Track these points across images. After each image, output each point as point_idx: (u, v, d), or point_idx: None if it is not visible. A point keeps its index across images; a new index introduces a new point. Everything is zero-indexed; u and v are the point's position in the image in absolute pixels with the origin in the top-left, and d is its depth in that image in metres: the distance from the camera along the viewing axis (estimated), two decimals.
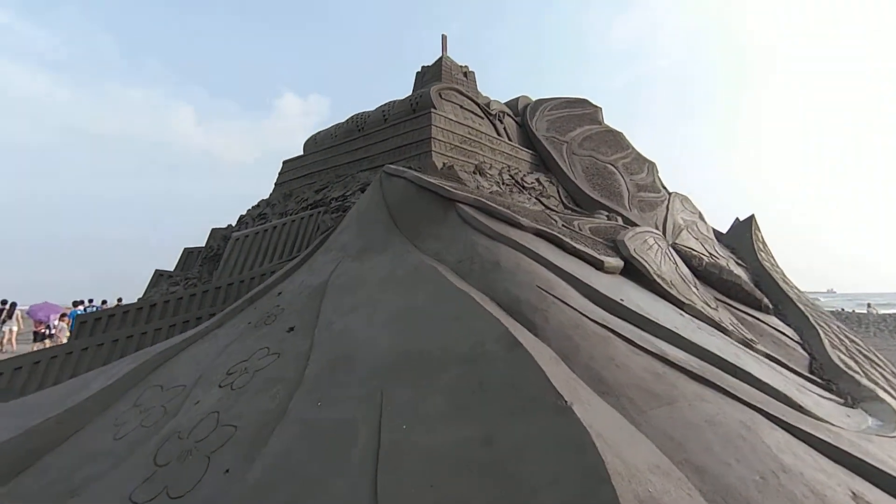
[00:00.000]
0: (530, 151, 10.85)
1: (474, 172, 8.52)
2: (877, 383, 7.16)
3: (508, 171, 9.31)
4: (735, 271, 9.74)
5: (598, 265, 5.83)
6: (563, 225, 7.26)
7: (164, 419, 4.86)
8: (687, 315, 5.83)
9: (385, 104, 9.86)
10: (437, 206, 6.15)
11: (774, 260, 11.66)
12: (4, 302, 19.85)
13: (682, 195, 11.14)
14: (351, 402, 3.92)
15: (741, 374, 4.50)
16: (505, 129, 10.85)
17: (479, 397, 3.52)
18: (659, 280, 6.28)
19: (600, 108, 12.63)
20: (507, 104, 12.60)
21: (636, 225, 9.14)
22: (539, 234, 5.88)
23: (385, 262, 5.83)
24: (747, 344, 6.43)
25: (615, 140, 11.63)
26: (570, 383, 3.57)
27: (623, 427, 3.30)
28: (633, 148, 11.65)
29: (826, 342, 7.73)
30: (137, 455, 4.45)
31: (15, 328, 19.72)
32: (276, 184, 11.19)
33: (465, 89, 11.05)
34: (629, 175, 10.62)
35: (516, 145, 10.59)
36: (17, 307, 20.06)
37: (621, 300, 4.98)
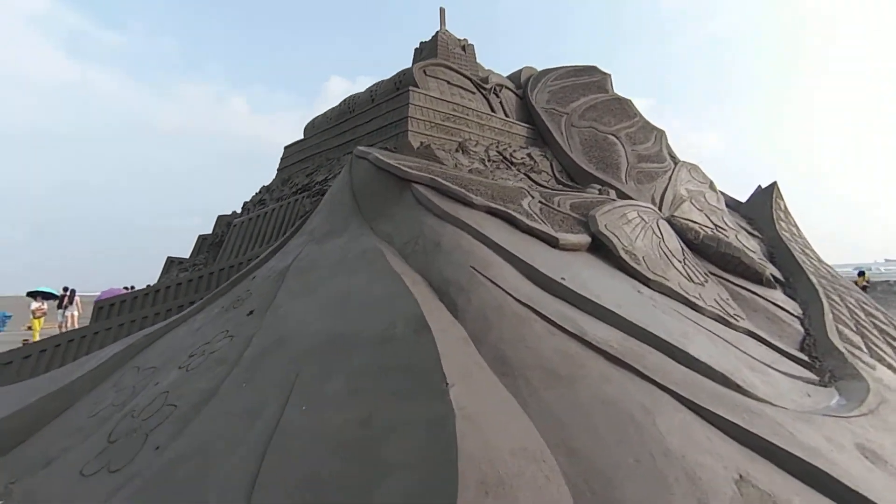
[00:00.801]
0: (527, 125, 10.55)
1: (457, 150, 8.42)
2: (882, 359, 6.68)
3: (497, 146, 9.13)
4: (743, 244, 9.22)
5: (553, 242, 5.69)
6: (539, 201, 7.09)
7: (130, 398, 5.22)
8: (647, 292, 5.61)
9: (374, 84, 9.86)
10: (394, 187, 6.16)
11: (797, 230, 10.93)
12: (66, 289, 21.57)
13: (690, 164, 10.56)
14: (270, 383, 4.08)
15: (677, 354, 4.32)
16: (501, 103, 10.59)
17: (377, 380, 3.58)
18: (626, 256, 6.05)
19: (609, 76, 12.07)
20: (509, 77, 12.28)
21: (629, 198, 8.81)
22: (491, 212, 5.79)
23: (341, 245, 5.92)
24: (724, 321, 6.13)
25: (621, 108, 11.10)
26: (466, 365, 3.55)
27: (506, 409, 3.27)
28: (640, 116, 11.09)
29: (829, 317, 7.23)
30: (100, 432, 4.82)
31: (76, 313, 21.44)
32: (277, 169, 11.51)
33: (460, 64, 10.85)
34: (632, 145, 10.15)
35: (510, 120, 10.33)
36: (77, 294, 21.75)
37: (562, 279, 4.86)
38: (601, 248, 6.28)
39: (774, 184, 11.16)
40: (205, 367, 4.93)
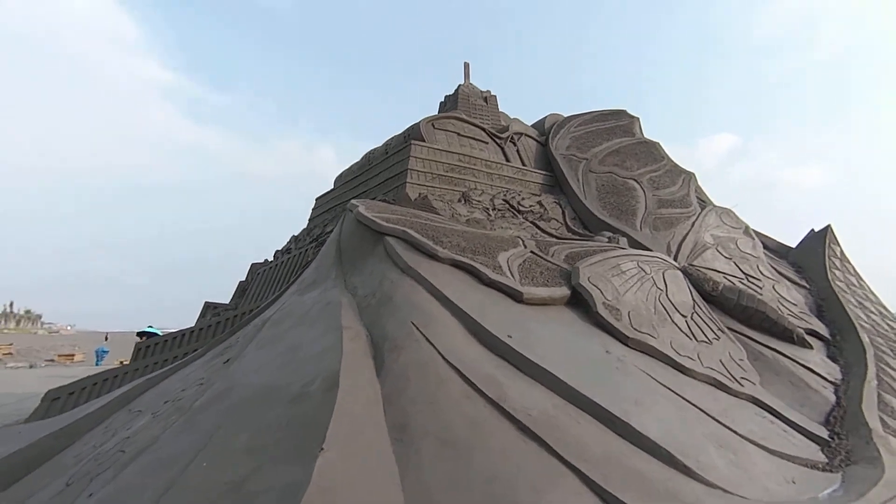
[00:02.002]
0: (544, 173, 10.40)
1: (459, 200, 8.45)
2: None
3: (504, 195, 9.05)
4: (781, 295, 8.34)
5: (517, 297, 5.47)
6: (531, 251, 6.91)
7: (107, 441, 5.56)
8: (619, 352, 5.19)
9: (391, 138, 10.22)
10: (369, 240, 6.28)
11: (857, 279, 9.73)
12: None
13: (723, 209, 9.81)
14: (199, 433, 4.19)
15: (617, 425, 3.94)
16: (518, 151, 10.57)
17: (274, 439, 3.58)
18: (605, 311, 5.68)
19: (637, 119, 11.69)
20: (534, 124, 12.26)
21: (641, 246, 8.33)
22: (456, 264, 5.70)
23: (314, 297, 6.07)
24: (722, 386, 5.52)
25: (647, 152, 10.64)
26: (358, 429, 3.46)
27: (377, 481, 3.12)
28: (667, 159, 10.55)
29: (871, 384, 6.28)
30: (68, 474, 5.15)
31: None
32: (308, 219, 12.11)
33: (481, 115, 11.03)
34: (654, 190, 9.63)
35: (525, 168, 10.24)
36: None
37: (509, 336, 4.65)
38: (582, 302, 5.94)
39: (828, 227, 10.08)
40: (167, 413, 5.17)
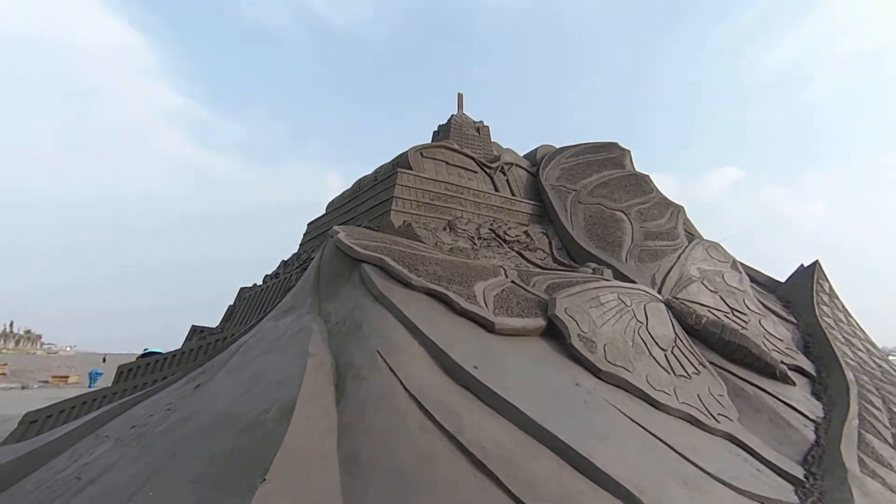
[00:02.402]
0: (533, 203, 10.45)
1: (444, 228, 8.48)
2: None
3: (491, 224, 9.08)
4: (767, 330, 8.23)
5: (489, 327, 5.42)
6: (512, 281, 6.89)
7: (68, 467, 5.46)
8: (590, 385, 5.11)
9: (381, 165, 10.33)
10: (346, 267, 6.28)
11: (845, 315, 9.62)
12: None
13: (710, 242, 9.79)
14: (153, 460, 4.12)
15: (577, 461, 3.85)
16: (508, 181, 10.65)
17: (220, 469, 3.51)
18: (579, 343, 5.61)
19: (628, 152, 11.79)
20: (526, 155, 12.39)
21: (626, 277, 8.29)
22: (429, 292, 5.67)
23: (287, 323, 6.05)
24: (697, 422, 5.41)
25: (636, 184, 10.69)
26: (306, 461, 3.39)
27: None
28: (656, 192, 10.58)
29: (852, 423, 6.13)
30: (28, 498, 5.06)
31: None
32: (299, 244, 12.16)
33: (473, 145, 11.18)
34: (642, 222, 9.64)
35: (513, 198, 10.30)
36: None
37: (475, 367, 4.59)
38: (558, 333, 5.88)
39: (816, 263, 10.02)
40: (129, 439, 5.10)
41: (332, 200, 11.80)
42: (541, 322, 5.89)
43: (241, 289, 11.70)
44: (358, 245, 6.34)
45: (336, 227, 7.20)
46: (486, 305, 5.72)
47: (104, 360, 45.31)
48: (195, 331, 11.30)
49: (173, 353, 9.12)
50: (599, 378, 5.39)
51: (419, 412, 3.95)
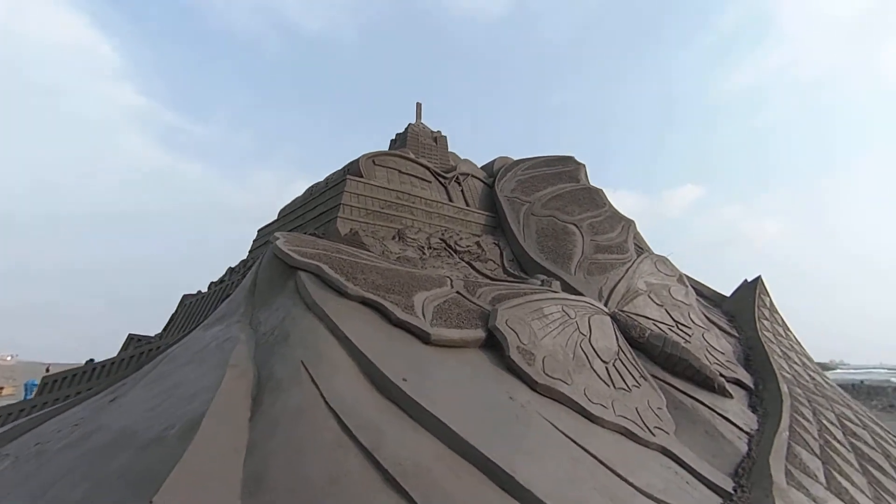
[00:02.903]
0: (487, 214, 10.42)
1: (393, 237, 8.32)
2: (841, 493, 5.61)
3: (442, 234, 8.98)
4: (709, 343, 8.35)
5: (425, 338, 5.26)
6: (457, 292, 6.76)
7: None
8: (524, 398, 5.00)
9: (333, 172, 10.11)
10: (282, 274, 6.04)
11: (784, 329, 9.88)
12: None
13: (658, 256, 9.93)
14: (44, 481, 3.78)
15: (499, 475, 3.72)
16: (463, 192, 10.60)
17: (110, 490, 3.23)
18: (517, 355, 5.51)
19: (583, 166, 11.93)
20: (483, 166, 12.38)
21: (574, 289, 8.30)
22: (365, 302, 5.49)
23: (215, 332, 5.76)
24: (632, 435, 5.38)
25: (590, 198, 10.80)
26: (203, 481, 3.14)
27: None
28: (608, 206, 10.71)
29: (782, 436, 6.21)
30: None
31: None
32: (248, 251, 11.74)
33: (430, 154, 11.09)
34: (593, 235, 9.71)
35: (467, 208, 10.25)
36: None
37: (404, 380, 4.42)
38: (498, 345, 5.77)
39: (758, 278, 10.29)
40: (28, 457, 4.70)
41: (284, 207, 11.47)
42: (480, 334, 5.77)
43: (184, 296, 11.19)
44: (296, 252, 6.11)
45: (277, 234, 6.95)
46: (424, 316, 5.57)
47: (47, 371, 42.95)
48: (131, 339, 10.72)
49: (102, 364, 8.61)
50: (536, 391, 5.30)
51: (337, 427, 3.75)
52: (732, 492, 5.10)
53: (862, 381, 37.01)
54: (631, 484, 4.41)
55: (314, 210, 9.23)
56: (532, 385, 5.32)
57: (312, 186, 10.45)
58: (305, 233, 8.59)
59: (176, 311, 10.88)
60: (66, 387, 9.00)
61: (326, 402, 3.97)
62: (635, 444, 5.33)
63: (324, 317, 5.09)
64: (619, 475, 4.45)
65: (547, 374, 5.50)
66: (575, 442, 4.65)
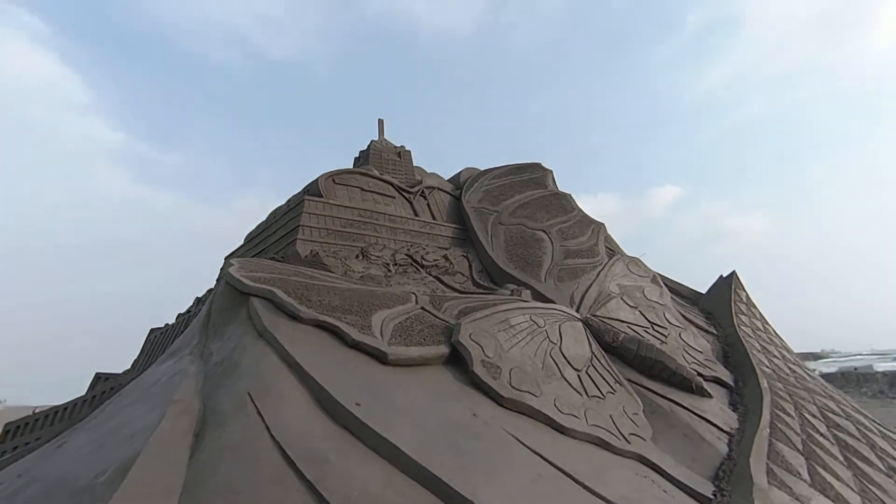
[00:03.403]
0: (454, 226, 10.31)
1: (357, 256, 8.15)
2: (826, 489, 5.47)
3: (408, 249, 8.83)
4: (687, 343, 8.24)
5: (382, 358, 5.07)
6: (422, 308, 6.59)
7: None
8: (488, 414, 4.82)
9: (295, 194, 9.96)
10: (235, 302, 5.82)
11: (762, 323, 9.82)
12: None
13: (631, 258, 9.86)
14: None
15: (458, 501, 3.52)
16: (429, 205, 10.49)
17: None
18: (482, 369, 5.34)
19: (550, 172, 11.91)
20: (450, 178, 12.31)
21: (544, 297, 8.16)
22: (319, 325, 5.29)
23: (167, 367, 5.50)
24: (605, 444, 5.20)
25: (558, 204, 10.75)
26: None
27: None
28: (577, 210, 10.66)
29: (763, 433, 6.08)
30: None
31: None
32: (216, 279, 11.46)
33: (394, 170, 11.00)
34: (562, 240, 9.62)
35: (433, 222, 10.13)
36: None
37: (357, 404, 4.21)
38: (463, 360, 5.59)
39: (733, 274, 10.26)
40: None
41: (250, 232, 11.26)
42: (443, 350, 5.60)
43: (151, 329, 10.87)
44: (248, 278, 5.91)
45: (232, 261, 6.73)
46: (382, 335, 5.37)
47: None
48: (98, 378, 10.34)
49: (63, 406, 8.26)
50: (502, 405, 5.13)
51: (281, 461, 3.53)
52: (712, 496, 4.93)
53: (855, 368, 37.24)
54: (600, 496, 4.23)
55: (275, 234, 9.04)
56: (498, 400, 5.14)
57: (275, 209, 10.27)
58: (267, 257, 8.38)
59: (143, 345, 10.55)
60: (29, 432, 8.63)
61: (271, 435, 3.75)
62: (609, 454, 5.15)
63: (274, 343, 4.89)
64: (587, 488, 4.27)
65: (514, 388, 5.32)
66: (541, 456, 4.46)
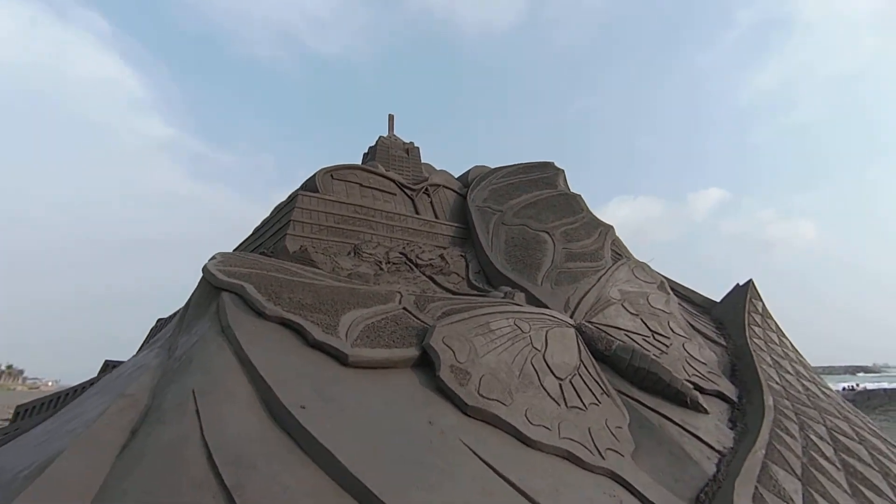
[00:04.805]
0: (455, 225, 10.08)
1: (349, 253, 8.04)
2: None
3: (403, 248, 8.66)
4: (690, 354, 7.79)
5: (343, 359, 4.93)
6: (404, 309, 6.44)
7: None
8: (446, 423, 4.61)
9: (297, 189, 9.92)
10: (207, 296, 5.80)
11: (778, 336, 9.22)
12: None
13: (638, 263, 9.41)
14: None
15: None
16: (433, 203, 10.29)
17: None
18: (449, 375, 5.14)
19: (562, 172, 11.51)
20: (459, 177, 12.08)
21: (538, 301, 7.87)
22: (284, 322, 5.20)
23: (136, 359, 5.53)
24: (576, 459, 4.92)
25: (566, 204, 10.35)
26: None
27: None
28: (586, 212, 10.24)
29: (756, 455, 5.64)
30: None
31: None
32: None
33: (401, 166, 10.85)
34: (566, 243, 9.25)
35: (434, 220, 9.93)
36: None
37: (302, 407, 4.09)
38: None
39: (749, 283, 9.66)
40: None
41: (257, 227, 11.34)
42: (412, 353, 5.42)
43: (159, 319, 11.11)
44: (223, 272, 5.87)
45: (216, 254, 6.73)
46: (347, 336, 5.23)
47: None
48: (108, 365, 10.63)
49: (66, 392, 8.49)
50: (466, 414, 4.91)
51: (205, 464, 3.43)
52: None
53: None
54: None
55: (271, 228, 9.05)
56: (462, 408, 4.92)
57: (278, 204, 10.29)
58: (259, 252, 8.38)
59: (148, 334, 10.80)
60: (36, 414, 8.92)
61: (202, 436, 3.65)
62: (578, 470, 4.87)
63: (233, 339, 4.81)
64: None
65: (481, 395, 5.09)
66: (495, 470, 4.22)
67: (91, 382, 8.74)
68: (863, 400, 31.36)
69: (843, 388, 36.89)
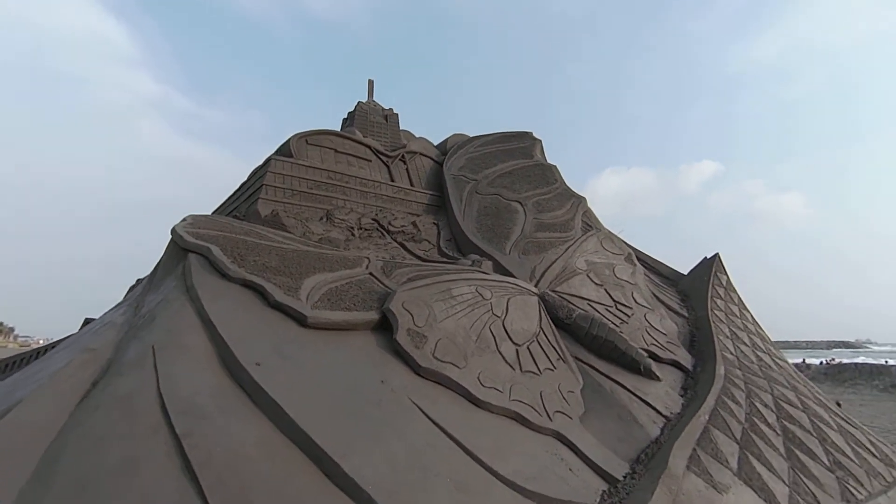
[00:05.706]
0: (430, 193, 10.19)
1: (321, 218, 8.16)
2: (751, 479, 5.38)
3: (375, 214, 8.79)
4: (651, 324, 8.09)
5: (302, 320, 5.12)
6: (370, 273, 6.62)
7: None
8: (398, 383, 4.85)
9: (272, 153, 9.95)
10: (174, 257, 5.93)
11: (739, 308, 9.56)
12: None
13: (607, 234, 9.63)
14: None
15: (329, 467, 3.60)
16: (408, 170, 10.36)
17: None
18: (405, 338, 5.36)
19: (539, 142, 11.58)
20: (438, 145, 12.11)
21: (504, 270, 8.08)
22: (246, 284, 5.36)
23: (105, 316, 5.69)
24: (524, 420, 5.20)
25: (541, 175, 10.47)
26: None
27: None
28: (560, 183, 10.37)
29: (699, 419, 5.98)
30: None
31: None
32: None
33: (379, 132, 10.85)
34: (537, 213, 9.41)
35: (409, 187, 10.03)
36: None
37: (257, 364, 4.29)
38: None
39: (716, 256, 9.94)
40: None
41: (235, 190, 11.38)
42: (372, 316, 5.62)
43: (138, 280, 11.22)
44: (191, 234, 5.99)
45: (187, 216, 6.83)
46: (308, 299, 5.41)
47: None
48: (86, 322, 10.81)
49: (45, 348, 8.68)
50: (420, 375, 5.15)
51: (159, 413, 3.64)
52: (621, 478, 4.92)
53: (886, 361, 35.83)
54: (492, 471, 4.25)
55: (246, 192, 9.12)
56: (416, 369, 5.16)
57: (255, 168, 10.31)
58: (232, 215, 8.48)
59: (126, 293, 10.94)
60: (14, 369, 9.10)
61: (158, 388, 3.85)
62: (524, 430, 5.15)
63: (196, 299, 4.98)
64: (480, 462, 4.29)
65: (436, 358, 5.33)
66: (440, 428, 4.49)
67: (61, 340, 8.92)
68: (835, 373, 32.44)
69: (821, 362, 37.99)
